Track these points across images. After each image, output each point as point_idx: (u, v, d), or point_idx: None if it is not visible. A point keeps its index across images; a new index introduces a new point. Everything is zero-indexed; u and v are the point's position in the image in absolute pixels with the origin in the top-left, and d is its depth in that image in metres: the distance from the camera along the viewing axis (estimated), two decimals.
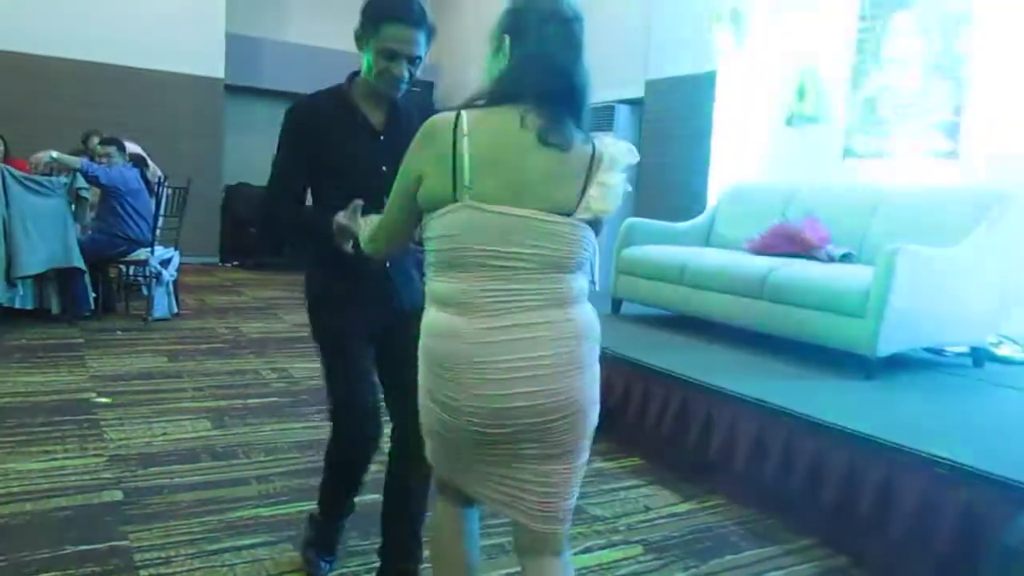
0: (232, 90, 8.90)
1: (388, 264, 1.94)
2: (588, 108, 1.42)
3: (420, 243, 1.51)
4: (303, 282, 2.03)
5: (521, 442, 1.41)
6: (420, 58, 1.84)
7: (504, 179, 1.36)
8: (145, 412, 3.40)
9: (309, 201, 1.98)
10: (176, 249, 5.74)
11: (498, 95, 1.40)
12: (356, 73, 1.91)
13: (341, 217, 1.71)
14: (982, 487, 2.10)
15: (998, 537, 2.02)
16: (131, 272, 5.72)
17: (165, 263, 5.51)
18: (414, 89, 2.02)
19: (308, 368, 4.12)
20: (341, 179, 1.85)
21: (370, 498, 2.45)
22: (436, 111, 1.74)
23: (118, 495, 2.53)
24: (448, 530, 1.59)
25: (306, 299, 2.03)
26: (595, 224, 1.43)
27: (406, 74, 1.83)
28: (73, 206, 5.24)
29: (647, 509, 2.69)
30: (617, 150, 1.43)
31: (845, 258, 3.88)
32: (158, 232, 5.59)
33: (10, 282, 4.79)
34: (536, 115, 1.36)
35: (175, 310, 5.63)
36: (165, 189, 5.70)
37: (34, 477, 2.63)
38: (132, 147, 5.91)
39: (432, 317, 1.43)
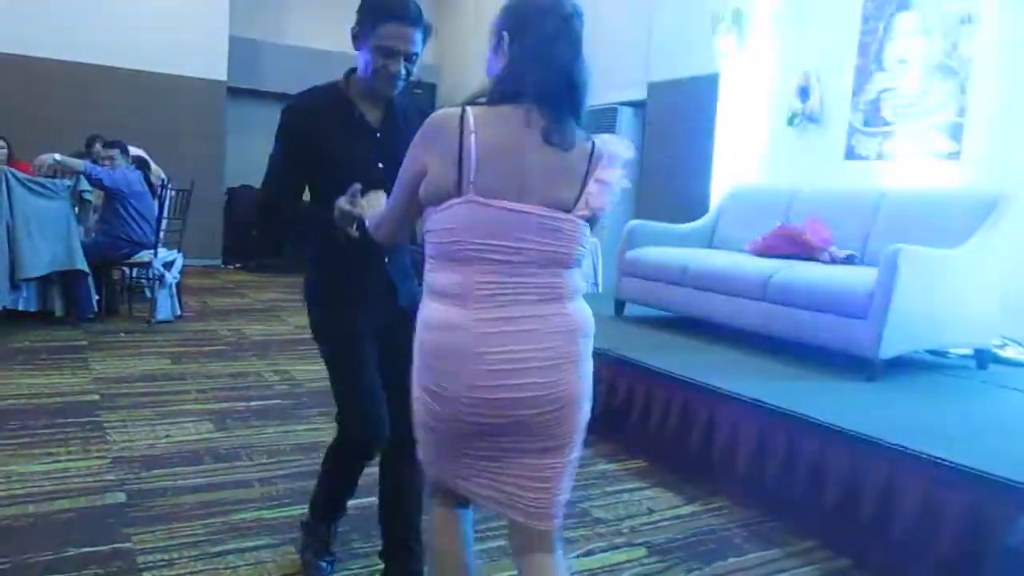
0: (234, 92, 8.92)
1: (387, 259, 1.94)
2: (587, 105, 1.43)
3: (417, 243, 1.55)
4: (302, 283, 2.03)
5: (515, 435, 1.42)
6: (417, 55, 1.85)
7: (508, 176, 1.37)
8: (148, 414, 3.41)
9: (307, 199, 1.98)
10: (179, 251, 5.75)
11: (500, 93, 1.41)
12: (353, 70, 1.91)
13: (342, 202, 1.71)
14: (985, 489, 2.09)
15: (1001, 539, 2.01)
16: (134, 274, 5.73)
17: (168, 265, 5.52)
18: (416, 91, 2.03)
19: (310, 370, 4.12)
20: (338, 176, 1.84)
21: (369, 500, 2.46)
22: (427, 107, 1.75)
23: (121, 497, 2.53)
24: (446, 533, 1.58)
25: (306, 301, 2.02)
26: (591, 221, 1.45)
27: (403, 72, 1.85)
28: (76, 209, 5.25)
29: (650, 511, 2.69)
30: (615, 147, 1.45)
31: (848, 260, 3.88)
32: (161, 234, 5.61)
33: (14, 284, 4.80)
34: (539, 114, 1.38)
35: (178, 312, 5.64)
36: (168, 191, 5.71)
37: (37, 479, 2.63)
38: (134, 150, 5.92)
39: (430, 309, 1.44)
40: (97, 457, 2.87)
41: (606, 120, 7.56)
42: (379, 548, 2.14)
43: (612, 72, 7.66)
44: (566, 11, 1.41)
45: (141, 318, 5.48)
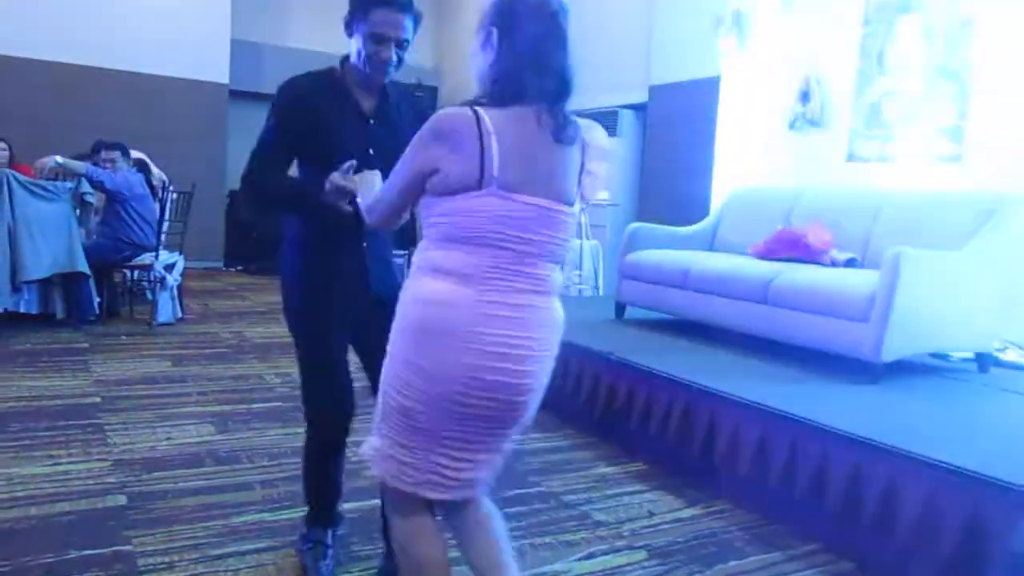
0: (235, 95, 8.93)
1: (364, 244, 1.98)
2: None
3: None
4: (277, 260, 2.06)
5: (488, 417, 1.47)
6: (407, 42, 1.90)
7: (526, 172, 1.43)
8: (149, 417, 3.41)
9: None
10: (180, 254, 5.76)
11: (502, 94, 1.45)
12: (347, 58, 1.95)
13: (336, 176, 1.73)
14: (987, 492, 2.09)
15: (1004, 542, 2.01)
16: (135, 277, 5.74)
17: (169, 268, 5.52)
18: (417, 94, 2.06)
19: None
20: (330, 161, 1.87)
21: (369, 503, 2.46)
22: (422, 104, 1.76)
23: (122, 500, 2.53)
24: (423, 540, 1.58)
25: (282, 281, 2.05)
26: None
27: (394, 58, 1.89)
28: (78, 211, 5.25)
29: (651, 514, 2.69)
30: (600, 139, 1.54)
31: (849, 263, 3.88)
32: (162, 237, 5.61)
33: (15, 286, 4.81)
34: (548, 115, 1.44)
35: (179, 315, 5.64)
36: (169, 194, 5.71)
37: (38, 482, 2.63)
38: (135, 153, 5.92)
39: (429, 285, 1.45)
40: (98, 459, 2.87)
41: (607, 123, 7.56)
42: (379, 551, 2.15)
43: (613, 75, 7.67)
44: (553, 8, 1.45)
45: (142, 320, 5.48)
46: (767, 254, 4.12)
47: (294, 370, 2.14)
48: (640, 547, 2.42)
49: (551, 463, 3.14)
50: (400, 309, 1.50)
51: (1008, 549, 2.00)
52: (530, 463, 3.12)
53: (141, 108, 8.28)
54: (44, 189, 4.93)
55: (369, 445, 1.56)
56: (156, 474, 2.77)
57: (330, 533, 2.19)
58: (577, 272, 6.19)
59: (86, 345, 4.69)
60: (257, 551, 2.24)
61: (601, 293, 6.23)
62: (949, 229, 3.61)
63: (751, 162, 5.69)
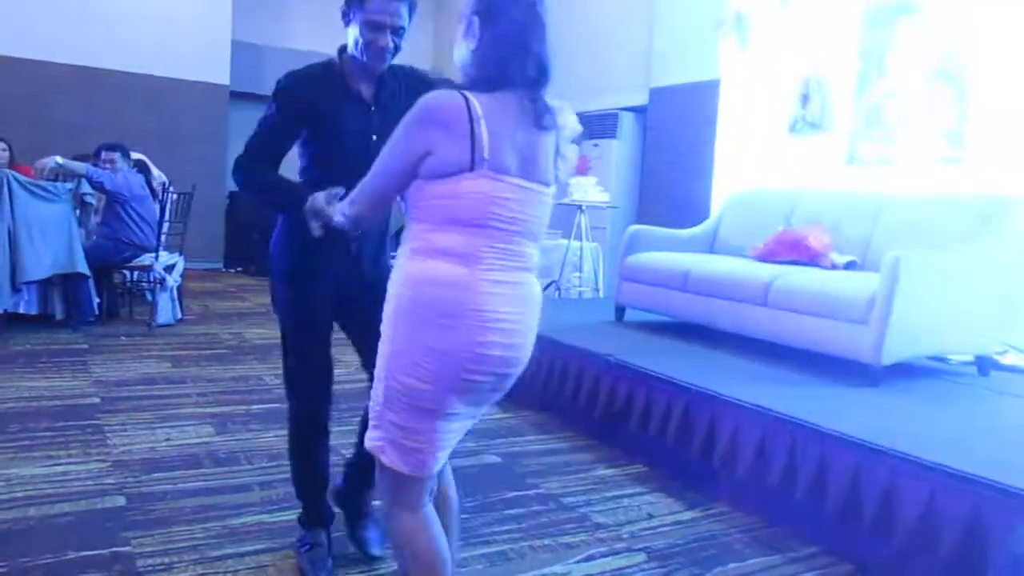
0: (236, 96, 8.94)
1: (358, 233, 1.96)
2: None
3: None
4: (270, 250, 2.09)
5: (483, 388, 1.54)
6: (403, 29, 1.94)
7: (513, 156, 1.49)
8: (148, 418, 3.40)
9: (296, 179, 2.04)
10: (180, 255, 5.76)
11: (486, 81, 1.50)
12: (344, 48, 1.99)
13: (320, 198, 1.72)
14: (987, 495, 2.09)
15: (1004, 546, 2.01)
16: (135, 278, 5.73)
17: (169, 269, 5.52)
18: (418, 69, 2.09)
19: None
20: (333, 149, 1.93)
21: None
22: (426, 79, 1.90)
23: (121, 501, 2.53)
24: (427, 533, 1.58)
25: (271, 267, 2.09)
26: None
27: (391, 44, 1.93)
28: (78, 212, 5.25)
29: (650, 516, 2.68)
30: (571, 121, 1.60)
31: (849, 266, 3.88)
32: (162, 238, 5.61)
33: (15, 287, 4.81)
34: (530, 100, 1.51)
35: (179, 316, 5.64)
36: (169, 195, 5.71)
37: (37, 482, 2.63)
38: (135, 154, 5.92)
39: (430, 266, 1.49)
40: (97, 460, 2.87)
41: (607, 125, 7.58)
42: (378, 553, 2.18)
43: (613, 77, 7.68)
44: None
45: (142, 321, 5.48)
46: (768, 256, 4.12)
47: None
48: (639, 549, 2.42)
49: (550, 465, 3.14)
50: (396, 291, 1.52)
51: (1008, 552, 2.00)
52: (529, 465, 3.12)
53: (142, 109, 8.28)
54: (44, 190, 4.93)
55: (372, 438, 1.57)
56: (155, 475, 2.77)
57: (325, 533, 2.19)
58: (577, 274, 6.19)
59: (85, 346, 4.69)
60: (256, 552, 2.23)
61: (601, 295, 6.23)
62: (949, 232, 3.61)
63: (751, 165, 5.69)
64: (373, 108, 1.99)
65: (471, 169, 1.45)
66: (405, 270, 1.52)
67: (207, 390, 3.92)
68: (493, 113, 1.47)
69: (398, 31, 1.93)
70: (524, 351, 1.56)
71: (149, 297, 5.64)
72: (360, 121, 1.97)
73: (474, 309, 1.46)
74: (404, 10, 1.92)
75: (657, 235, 4.74)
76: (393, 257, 1.61)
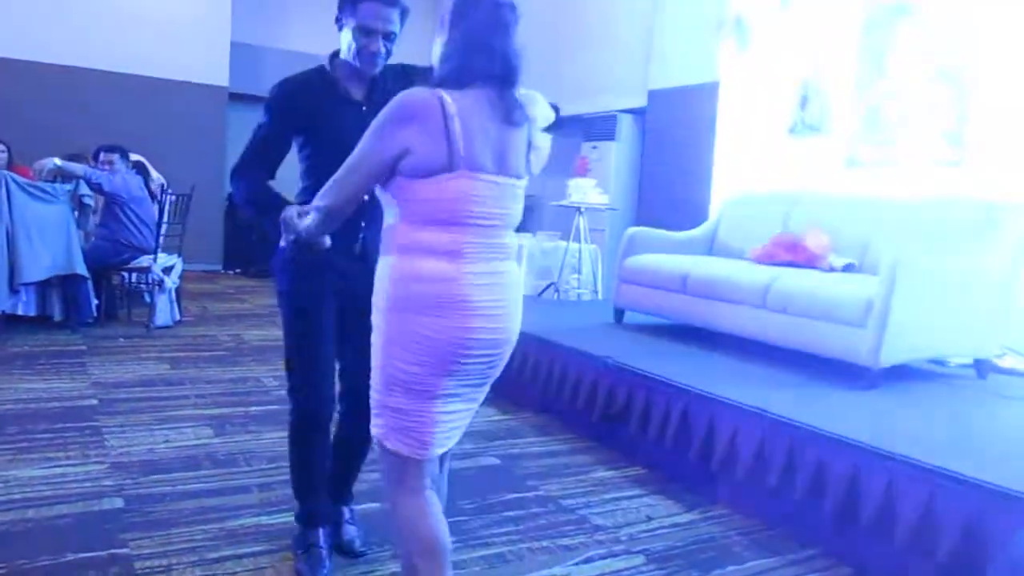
0: (235, 98, 8.94)
1: (363, 224, 2.03)
2: (519, 73, 1.60)
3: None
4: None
5: (479, 370, 1.63)
6: (395, 35, 2.00)
7: (488, 152, 1.57)
8: (147, 419, 3.40)
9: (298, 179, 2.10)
10: (179, 256, 5.75)
11: (457, 77, 1.56)
12: (336, 53, 2.05)
13: (291, 211, 1.73)
14: (985, 498, 2.09)
15: (1003, 548, 2.01)
16: (134, 279, 5.73)
17: (168, 270, 5.52)
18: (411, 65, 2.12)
19: None
20: (328, 151, 1.92)
21: (372, 506, 2.46)
22: (412, 71, 1.95)
23: (119, 502, 2.53)
24: (429, 516, 1.63)
25: (274, 261, 2.12)
26: None
27: (382, 49, 1.98)
28: (76, 213, 5.25)
29: (649, 519, 2.68)
30: (543, 111, 1.65)
31: (847, 269, 3.88)
32: (161, 239, 5.60)
33: (13, 289, 4.80)
34: (499, 97, 1.58)
35: (177, 317, 5.63)
36: (168, 196, 5.71)
37: (35, 484, 2.62)
38: (133, 156, 5.92)
39: (416, 263, 1.57)
40: (95, 462, 2.87)
41: (606, 127, 7.58)
42: (379, 553, 2.17)
43: (612, 79, 7.69)
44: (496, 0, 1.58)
45: (140, 323, 5.48)
46: (766, 259, 4.12)
47: None
48: (638, 552, 2.42)
49: (549, 467, 3.14)
50: (385, 286, 1.60)
51: (1007, 555, 2.00)
52: (528, 467, 3.12)
53: (140, 110, 8.27)
54: (42, 191, 4.93)
55: (375, 425, 1.64)
56: (153, 477, 2.76)
57: (322, 533, 2.18)
58: (576, 276, 6.19)
59: (84, 347, 4.68)
60: (254, 554, 2.23)
61: (600, 297, 6.23)
62: (948, 234, 3.61)
63: (750, 167, 5.70)
64: (365, 108, 2.01)
65: (451, 168, 1.52)
66: (393, 267, 1.59)
67: (206, 392, 3.92)
68: (466, 110, 1.53)
69: (390, 36, 1.98)
70: (509, 333, 1.66)
71: (147, 299, 5.63)
72: (353, 121, 1.95)
73: (460, 300, 1.55)
74: (395, 16, 1.98)
75: (656, 237, 4.74)
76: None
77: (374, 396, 1.64)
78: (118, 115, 8.03)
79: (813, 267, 3.90)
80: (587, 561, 2.33)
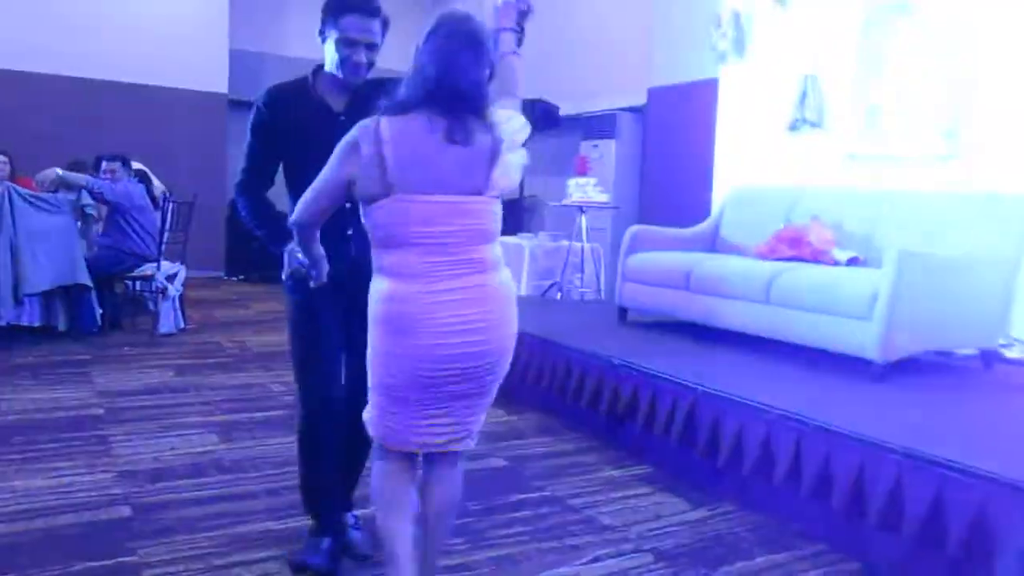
0: (235, 105, 8.95)
1: (350, 232, 2.06)
2: (486, 102, 1.69)
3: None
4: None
5: (454, 383, 1.71)
6: (377, 45, 2.06)
7: (424, 173, 1.65)
8: (152, 427, 3.40)
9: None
10: (182, 264, 5.76)
11: (408, 102, 1.67)
12: (320, 67, 2.12)
13: (292, 248, 1.95)
14: (994, 490, 2.08)
15: (1012, 541, 2.00)
16: (137, 287, 5.74)
17: (171, 278, 5.52)
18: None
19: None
20: (302, 160, 2.00)
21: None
22: (383, 84, 1.96)
23: (126, 511, 2.53)
24: (398, 480, 1.82)
25: (284, 287, 2.16)
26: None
27: (364, 60, 2.04)
28: (79, 223, 5.25)
29: (657, 517, 2.68)
30: (511, 129, 1.71)
31: (851, 262, 3.87)
32: (163, 247, 5.61)
33: (17, 300, 4.81)
34: (441, 117, 1.64)
35: (181, 325, 5.64)
36: (170, 204, 5.72)
37: (43, 494, 2.63)
38: (135, 164, 5.93)
39: (384, 286, 1.70)
40: (102, 471, 2.87)
41: (606, 126, 7.58)
42: (368, 552, 2.24)
43: (611, 77, 7.68)
44: (451, 28, 1.68)
45: (144, 331, 5.48)
46: (769, 254, 4.11)
47: None
48: (647, 550, 2.41)
49: (556, 467, 3.14)
50: (370, 304, 1.74)
51: (1016, 548, 1.99)
52: (535, 467, 3.11)
53: (141, 119, 8.28)
54: (45, 202, 4.93)
55: (366, 412, 1.82)
56: (160, 484, 2.77)
57: (328, 541, 2.19)
58: (578, 275, 6.18)
59: (88, 357, 4.69)
60: (262, 560, 2.23)
61: (603, 297, 6.22)
62: (951, 227, 3.61)
63: (751, 163, 5.69)
64: (344, 118, 2.03)
65: (386, 193, 1.64)
66: (372, 286, 1.74)
67: (211, 399, 3.92)
68: (401, 134, 1.64)
69: (372, 47, 2.04)
70: (493, 344, 1.71)
71: (151, 307, 5.64)
72: (327, 131, 2.00)
73: (421, 319, 1.65)
74: (377, 27, 2.04)
75: (658, 235, 4.74)
76: None
77: (369, 389, 1.79)
78: (119, 124, 8.04)
79: (817, 261, 3.89)
80: (596, 560, 2.33)
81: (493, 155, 1.68)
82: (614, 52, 7.67)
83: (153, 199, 5.70)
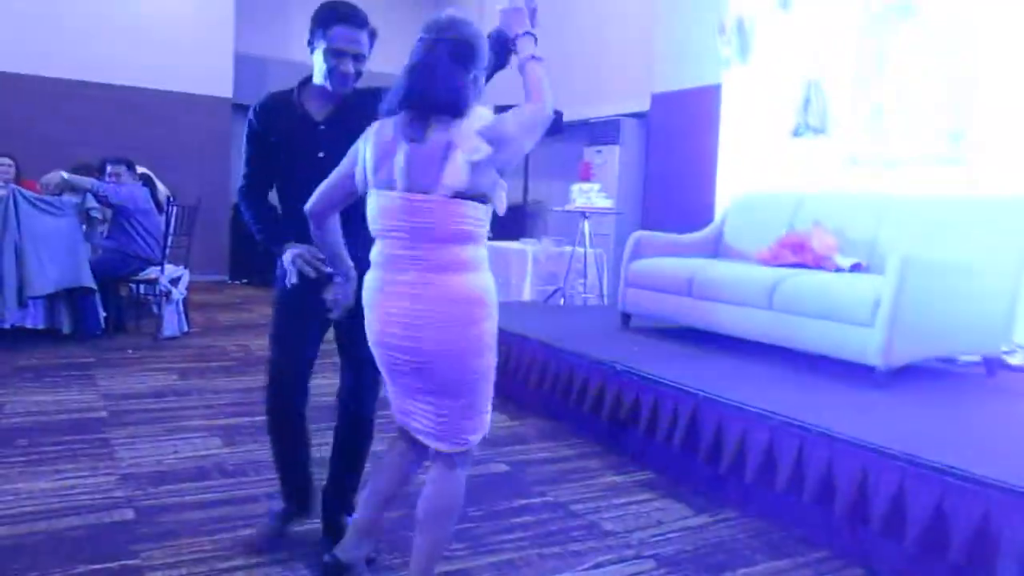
0: (239, 109, 8.97)
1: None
2: (466, 105, 1.73)
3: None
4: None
5: (404, 375, 1.82)
6: (364, 56, 2.13)
7: (388, 171, 1.76)
8: (156, 430, 3.41)
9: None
10: (185, 267, 5.77)
11: (391, 106, 1.78)
12: (309, 77, 2.19)
13: (288, 259, 2.13)
14: (997, 497, 2.08)
15: (1014, 548, 2.00)
16: (141, 291, 5.75)
17: (175, 281, 5.54)
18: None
19: (318, 385, 4.11)
20: (288, 167, 2.18)
21: (395, 513, 2.45)
22: (374, 92, 2.03)
23: (129, 514, 2.53)
24: (395, 449, 1.98)
25: (277, 273, 2.29)
26: (481, 198, 1.75)
27: (352, 70, 2.11)
28: (84, 226, 5.27)
29: (659, 523, 2.68)
30: (468, 124, 1.72)
31: (854, 268, 3.87)
32: (168, 250, 5.63)
33: (21, 302, 4.82)
34: (404, 118, 1.75)
35: (185, 328, 5.65)
36: (174, 208, 5.73)
37: (46, 496, 2.63)
38: (140, 168, 5.94)
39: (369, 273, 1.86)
40: (105, 474, 2.87)
41: (610, 132, 7.59)
42: (391, 560, 2.24)
43: (615, 83, 7.70)
44: (430, 37, 1.74)
45: (148, 334, 5.50)
46: (772, 260, 4.11)
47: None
48: (649, 556, 2.41)
49: (558, 472, 3.14)
50: None
51: (1019, 555, 1.99)
52: (536, 473, 3.11)
53: (146, 123, 8.32)
54: (50, 205, 4.96)
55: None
56: (163, 488, 2.77)
57: (284, 508, 2.38)
58: (581, 281, 6.19)
59: (92, 359, 4.70)
60: (264, 564, 2.23)
61: (606, 302, 6.22)
62: (955, 232, 3.60)
63: (754, 169, 5.69)
64: (323, 127, 2.15)
65: (366, 187, 1.81)
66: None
67: (214, 402, 3.93)
68: (379, 134, 1.79)
69: (359, 58, 2.11)
70: (423, 343, 1.75)
71: (155, 310, 5.65)
72: (307, 139, 2.15)
73: (376, 305, 1.81)
74: (364, 38, 2.11)
75: (661, 240, 4.74)
76: None
77: None
78: (124, 128, 8.08)
79: (820, 268, 3.89)
80: (597, 567, 2.33)
81: (446, 154, 1.70)
82: (618, 58, 7.69)
83: (157, 203, 5.71)
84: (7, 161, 5.75)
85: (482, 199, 1.75)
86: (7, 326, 4.84)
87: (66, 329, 5.15)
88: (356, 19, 2.09)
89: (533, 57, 1.85)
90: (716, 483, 2.92)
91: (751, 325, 3.79)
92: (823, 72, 5.20)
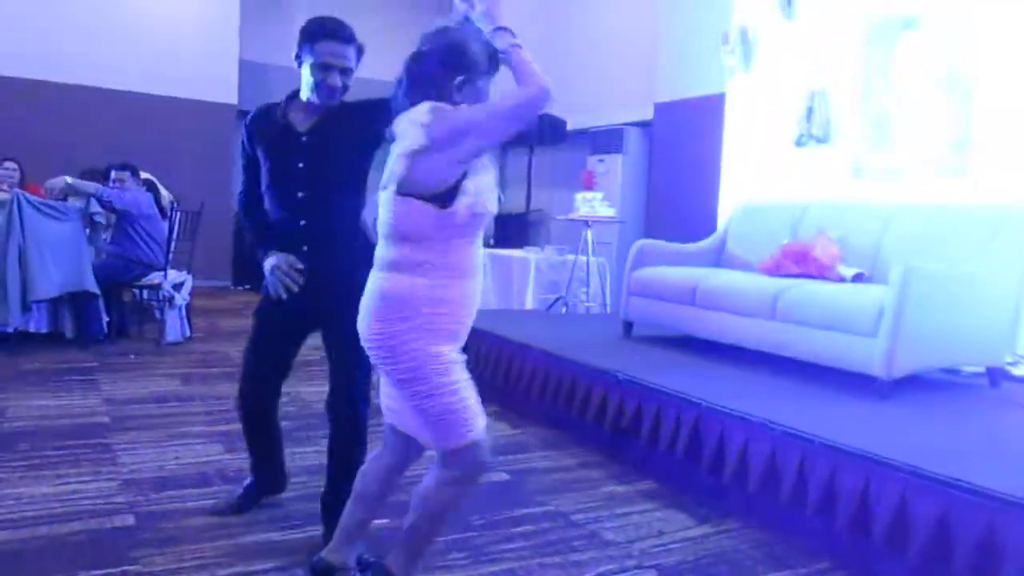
0: (243, 115, 8.99)
1: (305, 248, 2.26)
2: (429, 93, 1.77)
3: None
4: None
5: (377, 365, 1.89)
6: (351, 70, 2.19)
7: (386, 170, 1.82)
8: (157, 436, 3.41)
9: None
10: (189, 273, 5.78)
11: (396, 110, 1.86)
12: (297, 91, 2.26)
13: (282, 262, 2.23)
14: (1001, 509, 2.07)
15: (1017, 560, 1.99)
16: (144, 296, 5.76)
17: (178, 287, 5.55)
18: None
19: (318, 392, 4.11)
20: (268, 177, 2.27)
21: (377, 523, 2.45)
22: (370, 102, 2.17)
23: (130, 519, 2.53)
24: (364, 468, 2.07)
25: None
26: (440, 197, 1.73)
27: (339, 84, 2.17)
28: (88, 230, 5.29)
29: (661, 533, 2.67)
30: (404, 119, 1.78)
31: (857, 278, 3.87)
32: (171, 256, 5.64)
33: (25, 306, 4.83)
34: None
35: (188, 334, 5.66)
36: (177, 213, 5.75)
37: (47, 501, 2.63)
38: (144, 174, 5.96)
39: None
40: (106, 479, 2.87)
41: (613, 141, 7.60)
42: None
43: (618, 93, 7.72)
44: (426, 40, 1.82)
45: (151, 339, 5.50)
46: (775, 270, 4.11)
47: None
48: (650, 566, 2.40)
49: (559, 482, 3.13)
50: None
51: (1022, 567, 1.98)
52: (537, 482, 3.11)
53: (150, 128, 8.34)
54: (54, 209, 4.97)
55: None
56: (164, 493, 2.77)
57: (252, 481, 2.61)
58: (584, 290, 6.19)
59: (95, 364, 4.70)
60: (266, 570, 2.23)
61: (608, 311, 6.22)
62: (958, 242, 3.60)
63: (757, 178, 5.70)
64: (306, 139, 2.21)
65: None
66: None
67: (216, 408, 3.93)
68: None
69: (346, 71, 2.17)
70: (370, 334, 1.82)
71: (158, 315, 5.66)
72: (287, 149, 2.22)
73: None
74: (351, 53, 2.17)
75: (664, 249, 4.74)
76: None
77: None
78: (128, 133, 8.10)
79: (823, 278, 3.89)
80: None
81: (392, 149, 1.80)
82: (621, 67, 7.71)
83: (161, 208, 5.73)
84: (12, 165, 5.77)
85: (441, 198, 1.72)
86: (11, 330, 4.84)
87: (69, 333, 5.16)
88: (343, 34, 2.16)
89: (513, 46, 1.81)
90: (718, 493, 2.91)
91: (754, 335, 3.78)
92: (826, 82, 5.21)
